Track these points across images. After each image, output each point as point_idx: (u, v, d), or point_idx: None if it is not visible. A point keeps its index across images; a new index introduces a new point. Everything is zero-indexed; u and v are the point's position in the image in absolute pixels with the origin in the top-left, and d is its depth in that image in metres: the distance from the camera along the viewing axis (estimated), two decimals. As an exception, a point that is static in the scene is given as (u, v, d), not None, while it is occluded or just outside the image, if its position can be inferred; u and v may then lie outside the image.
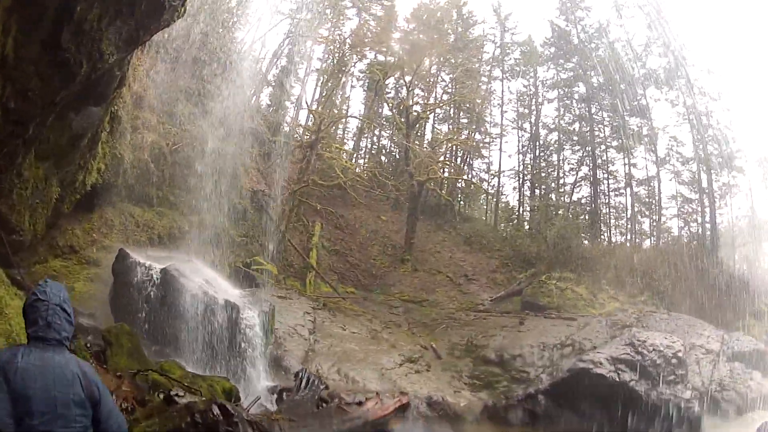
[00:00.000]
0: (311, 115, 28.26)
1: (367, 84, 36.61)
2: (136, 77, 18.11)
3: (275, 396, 11.50)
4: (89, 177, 13.46)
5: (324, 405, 11.04)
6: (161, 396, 8.61)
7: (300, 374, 11.98)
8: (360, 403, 11.16)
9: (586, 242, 27.42)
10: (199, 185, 18.90)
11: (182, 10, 9.83)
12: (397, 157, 34.94)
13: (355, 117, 34.18)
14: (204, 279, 12.76)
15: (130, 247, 13.10)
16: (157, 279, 11.93)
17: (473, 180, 34.20)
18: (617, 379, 11.87)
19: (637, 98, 31.13)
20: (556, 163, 33.75)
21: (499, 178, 34.68)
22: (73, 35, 6.62)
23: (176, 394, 8.52)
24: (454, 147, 32.61)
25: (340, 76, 31.14)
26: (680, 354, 12.43)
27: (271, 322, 13.37)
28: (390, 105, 33.71)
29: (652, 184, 31.08)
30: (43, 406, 2.65)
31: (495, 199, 34.71)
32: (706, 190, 28.96)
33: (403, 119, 28.92)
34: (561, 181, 33.26)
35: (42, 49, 6.43)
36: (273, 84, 30.61)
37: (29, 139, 7.56)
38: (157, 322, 11.60)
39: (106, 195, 14.74)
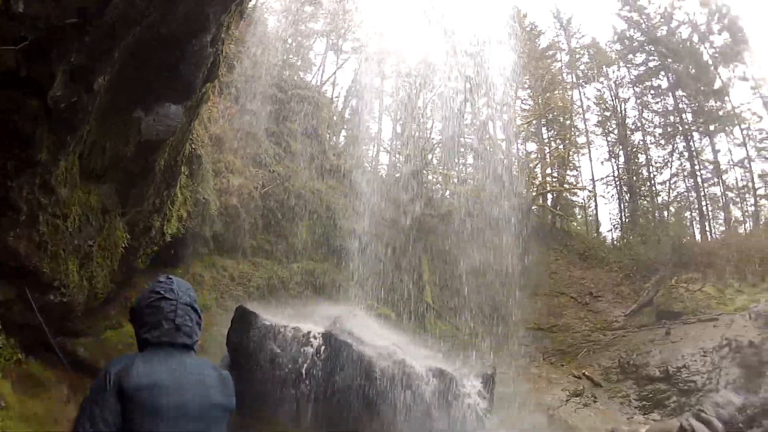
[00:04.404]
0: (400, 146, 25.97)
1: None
2: (212, 118, 16.11)
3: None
4: (168, 225, 10.90)
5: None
6: None
7: None
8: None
9: (698, 237, 26.84)
10: (295, 230, 16.52)
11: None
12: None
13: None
14: (388, 341, 8.74)
15: (249, 303, 9.52)
16: (320, 350, 7.97)
17: (575, 188, 31.69)
18: None
19: (710, 81, 29.66)
20: (644, 162, 32.30)
21: (594, 186, 32.58)
22: None
23: None
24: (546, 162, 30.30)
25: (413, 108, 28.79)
26: None
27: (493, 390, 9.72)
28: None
29: (745, 164, 28.93)
30: (174, 414, 2.08)
31: (594, 210, 33.12)
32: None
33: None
34: (654, 180, 31.87)
35: None
36: (348, 121, 28.94)
37: (56, 110, 4.47)
38: (324, 419, 7.68)
39: (190, 247, 12.13)
